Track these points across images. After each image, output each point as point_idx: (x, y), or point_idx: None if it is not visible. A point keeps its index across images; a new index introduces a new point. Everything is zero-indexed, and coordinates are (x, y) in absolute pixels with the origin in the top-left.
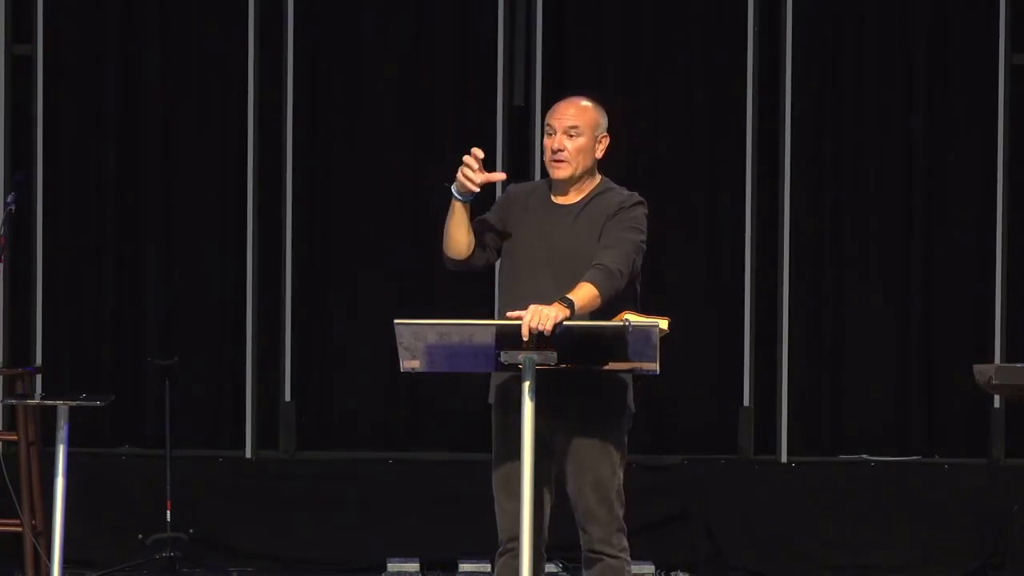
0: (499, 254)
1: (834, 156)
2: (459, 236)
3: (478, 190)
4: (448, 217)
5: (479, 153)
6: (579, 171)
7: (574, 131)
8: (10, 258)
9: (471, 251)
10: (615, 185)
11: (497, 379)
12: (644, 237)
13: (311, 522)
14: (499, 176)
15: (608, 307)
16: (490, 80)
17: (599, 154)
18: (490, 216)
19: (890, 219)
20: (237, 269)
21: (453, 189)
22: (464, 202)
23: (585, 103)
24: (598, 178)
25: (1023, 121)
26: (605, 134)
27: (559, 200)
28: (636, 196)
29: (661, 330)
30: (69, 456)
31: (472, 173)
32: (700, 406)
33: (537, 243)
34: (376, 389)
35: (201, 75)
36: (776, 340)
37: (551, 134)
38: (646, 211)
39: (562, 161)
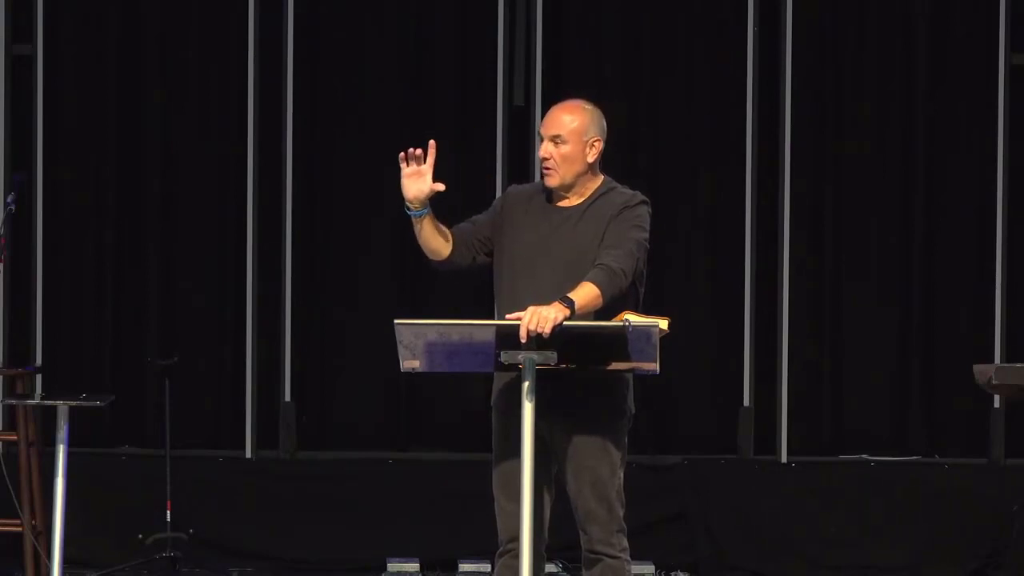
0: (487, 255)
1: (834, 156)
2: (429, 245)
3: (424, 189)
4: (416, 232)
5: (415, 152)
6: (568, 178)
7: (558, 139)
8: (10, 258)
9: (450, 252)
10: (617, 184)
11: (499, 379)
12: (647, 236)
13: (311, 522)
14: (438, 186)
15: (609, 307)
16: (490, 80)
17: (591, 159)
18: (482, 217)
19: (890, 219)
20: (237, 269)
21: (407, 209)
22: (418, 216)
23: (574, 109)
24: (600, 179)
25: (1023, 121)
26: (597, 138)
27: (561, 202)
28: (639, 195)
29: (661, 330)
30: (69, 456)
31: (405, 174)
32: (700, 406)
33: (539, 245)
34: (376, 389)
35: (201, 75)
36: (776, 340)
37: (540, 142)
38: (649, 210)
39: (549, 169)
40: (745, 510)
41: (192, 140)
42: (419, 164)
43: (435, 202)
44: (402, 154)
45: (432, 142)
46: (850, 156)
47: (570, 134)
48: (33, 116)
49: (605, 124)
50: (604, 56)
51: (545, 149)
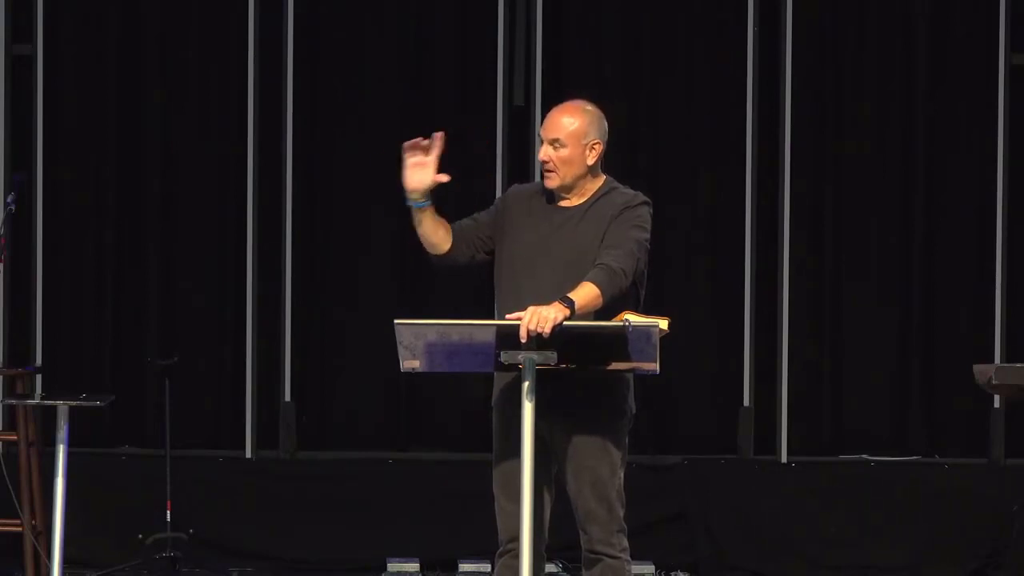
0: (487, 254)
1: (834, 156)
2: (429, 239)
3: (426, 180)
4: (416, 224)
5: (419, 142)
6: (568, 180)
7: (557, 143)
8: (10, 258)
9: (449, 247)
10: (619, 185)
11: (499, 379)
12: (648, 236)
13: (311, 522)
14: (442, 177)
15: (609, 307)
16: (490, 80)
17: (590, 161)
18: (483, 215)
19: (890, 219)
20: (237, 269)
21: (407, 200)
22: (419, 207)
23: (574, 111)
24: (601, 179)
25: (1023, 121)
26: (596, 140)
27: (563, 203)
28: (640, 196)
29: (661, 330)
30: (69, 456)
31: (410, 164)
32: (700, 406)
33: (540, 245)
34: (376, 389)
35: (201, 75)
36: (776, 340)
37: (540, 144)
38: (651, 210)
39: (549, 172)
40: (745, 510)
41: (192, 140)
42: (424, 154)
43: (435, 201)
44: (406, 144)
45: (440, 134)
46: (850, 156)
47: (568, 137)
48: (33, 116)
49: (606, 125)
50: (604, 56)
51: (544, 152)
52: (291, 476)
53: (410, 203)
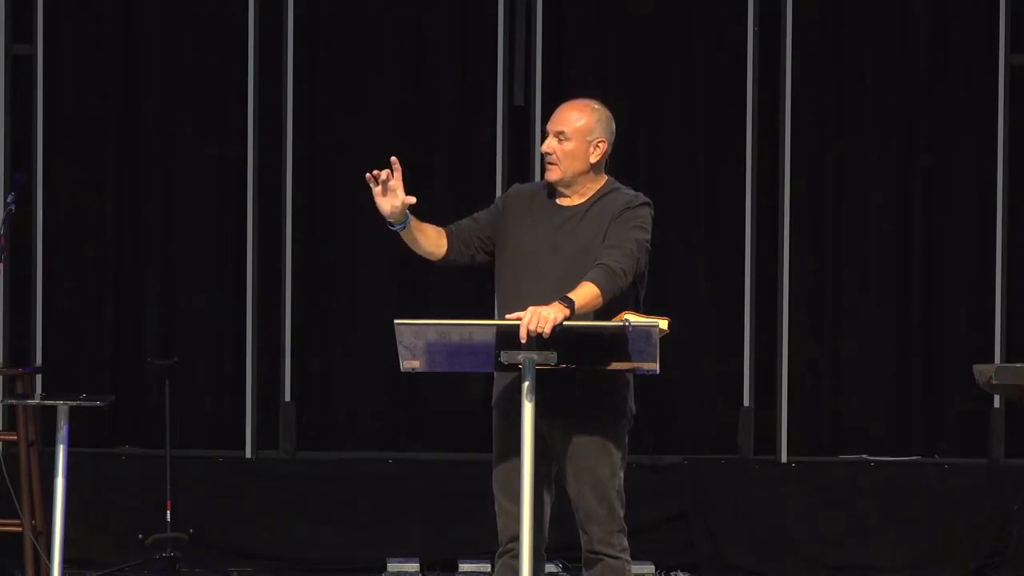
0: (487, 254)
1: (834, 157)
2: (420, 250)
3: (397, 204)
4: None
5: (380, 174)
6: (568, 175)
7: (562, 136)
8: (10, 258)
9: (446, 252)
10: (621, 186)
11: (499, 379)
12: (649, 237)
13: (311, 522)
14: (410, 199)
15: (609, 307)
16: (490, 80)
17: (594, 159)
18: (483, 215)
19: (890, 219)
20: (237, 269)
21: (389, 226)
22: (401, 229)
23: (582, 108)
24: (603, 179)
25: (1023, 121)
26: (601, 139)
27: (564, 202)
28: (642, 196)
29: (661, 330)
30: (69, 456)
31: (376, 193)
32: (700, 406)
33: (542, 244)
34: (376, 389)
35: (201, 75)
36: (776, 340)
37: (545, 137)
38: (652, 212)
39: (551, 164)
40: (745, 510)
41: (192, 140)
42: (388, 182)
43: (435, 201)
44: (368, 176)
45: (394, 159)
46: (850, 156)
47: (574, 132)
48: (33, 116)
49: (614, 127)
50: (604, 56)
51: (548, 144)
52: (291, 476)
53: (392, 228)
